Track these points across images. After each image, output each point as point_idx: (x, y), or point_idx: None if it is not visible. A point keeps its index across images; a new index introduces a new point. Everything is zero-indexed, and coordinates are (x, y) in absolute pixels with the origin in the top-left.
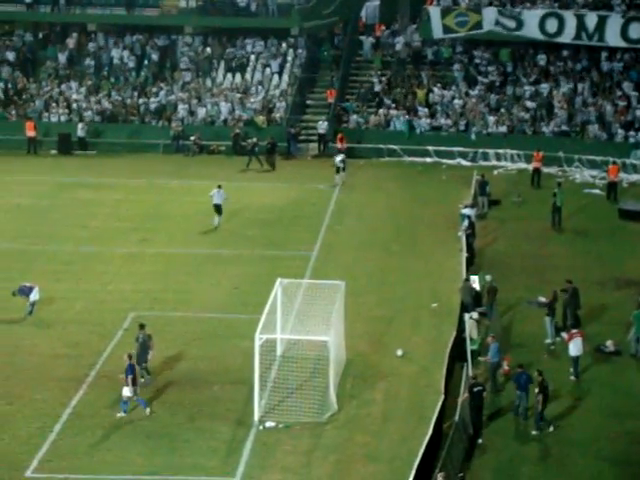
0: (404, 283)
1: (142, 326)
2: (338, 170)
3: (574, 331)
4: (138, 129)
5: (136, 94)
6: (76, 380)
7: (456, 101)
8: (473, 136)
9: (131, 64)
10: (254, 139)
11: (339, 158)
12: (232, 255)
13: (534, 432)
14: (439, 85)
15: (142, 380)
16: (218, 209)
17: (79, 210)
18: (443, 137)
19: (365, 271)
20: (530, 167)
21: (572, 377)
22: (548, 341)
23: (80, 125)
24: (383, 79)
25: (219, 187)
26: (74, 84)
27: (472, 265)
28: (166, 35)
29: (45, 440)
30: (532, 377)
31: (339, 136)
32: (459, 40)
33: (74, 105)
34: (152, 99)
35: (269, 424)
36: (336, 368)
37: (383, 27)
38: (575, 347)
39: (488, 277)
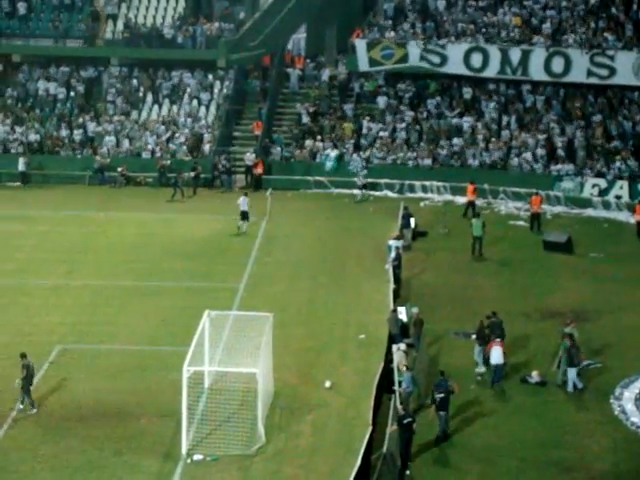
0: (332, 315)
1: (23, 355)
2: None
3: (496, 340)
4: (64, 161)
5: (61, 126)
6: (1, 415)
7: (382, 133)
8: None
9: (58, 96)
10: (189, 173)
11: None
12: (159, 287)
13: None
14: (366, 118)
15: (34, 410)
16: (245, 215)
17: (3, 242)
18: (370, 169)
19: (293, 303)
20: (457, 199)
21: (495, 384)
22: (478, 370)
23: (21, 159)
24: (310, 111)
25: (245, 194)
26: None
27: (399, 297)
28: (92, 66)
29: None
30: (452, 387)
31: (256, 161)
32: (385, 73)
33: None
34: (77, 131)
35: (197, 457)
36: (264, 400)
37: (308, 60)
38: (495, 355)
39: (415, 309)
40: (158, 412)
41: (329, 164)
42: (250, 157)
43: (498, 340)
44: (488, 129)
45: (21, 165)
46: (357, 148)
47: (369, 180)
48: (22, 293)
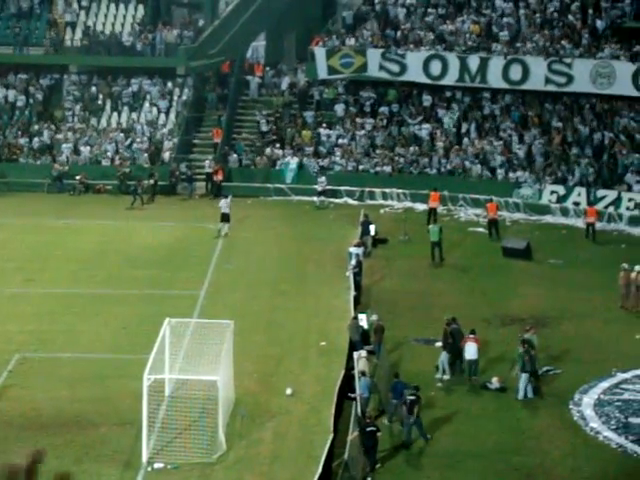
0: (293, 322)
1: None
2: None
3: (470, 336)
4: (22, 168)
5: (20, 133)
6: None
7: (342, 140)
8: (290, 175)
9: (17, 103)
10: (148, 180)
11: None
12: (119, 295)
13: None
14: (325, 125)
15: None
16: (225, 218)
17: None
18: (330, 176)
19: (254, 310)
20: (417, 206)
21: (473, 378)
22: (438, 376)
23: None
24: (270, 119)
25: (226, 197)
26: None
27: (360, 303)
28: (51, 74)
29: None
30: (407, 384)
31: (216, 168)
32: (345, 80)
33: None
34: (36, 138)
35: (158, 465)
36: (225, 408)
37: (267, 68)
38: (469, 351)
39: (374, 316)
40: (118, 420)
41: (290, 175)
42: (210, 164)
43: (472, 336)
44: (447, 136)
45: None
46: (316, 155)
47: (328, 187)
48: None
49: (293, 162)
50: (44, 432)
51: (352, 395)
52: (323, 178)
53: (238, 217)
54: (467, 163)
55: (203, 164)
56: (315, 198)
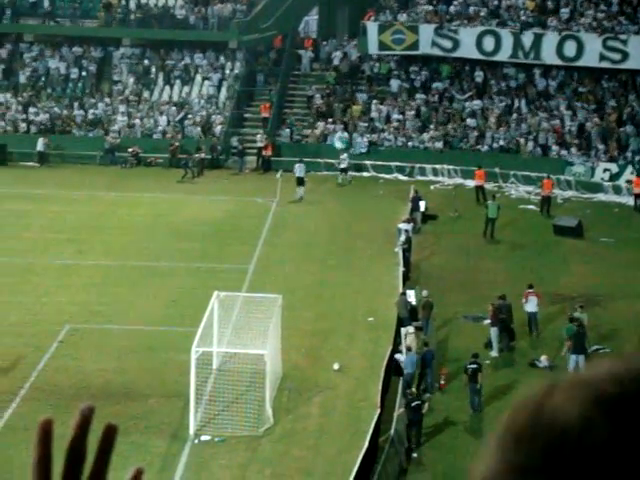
0: (341, 297)
1: None
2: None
3: (529, 290)
4: (75, 141)
5: (75, 105)
6: (10, 393)
7: (393, 116)
8: (339, 144)
9: (70, 75)
10: (200, 154)
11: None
12: (169, 268)
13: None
14: (376, 100)
15: None
16: (300, 181)
17: (14, 221)
18: (381, 152)
19: (302, 285)
20: (467, 183)
21: (533, 332)
22: (493, 354)
23: (40, 140)
24: (321, 94)
25: (300, 161)
26: (9, 95)
27: (409, 279)
28: (103, 47)
29: None
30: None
31: (265, 144)
32: (397, 56)
33: (9, 116)
34: (89, 111)
35: (204, 438)
36: (272, 382)
37: (324, 42)
38: (530, 304)
39: (424, 292)
40: (166, 392)
41: (338, 144)
42: (261, 139)
43: (531, 290)
44: (500, 112)
45: (40, 145)
46: (366, 131)
47: (379, 163)
48: (32, 272)
49: (343, 134)
50: (93, 403)
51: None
52: (345, 155)
53: (288, 192)
54: (519, 140)
55: (254, 138)
56: (338, 175)
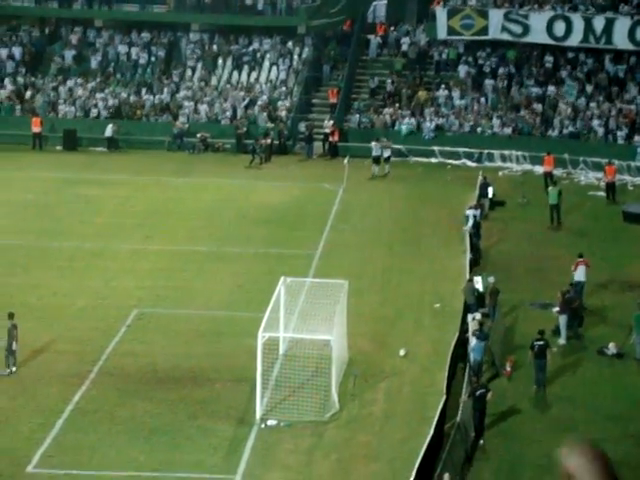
0: (407, 283)
1: (11, 315)
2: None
3: (579, 259)
4: (144, 126)
5: (143, 90)
6: (79, 376)
7: (460, 101)
8: (404, 128)
9: (139, 61)
10: (267, 139)
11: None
12: (236, 253)
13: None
14: (444, 86)
15: (13, 369)
16: (376, 160)
17: (83, 206)
18: (448, 138)
19: (368, 271)
20: (536, 169)
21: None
22: (562, 342)
23: (109, 126)
24: (389, 79)
25: (376, 139)
26: (80, 80)
27: (476, 266)
28: (173, 32)
29: (47, 436)
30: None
31: (332, 128)
32: (465, 41)
33: (79, 101)
34: (157, 96)
35: (271, 422)
36: (338, 367)
37: (392, 27)
38: (579, 273)
39: (491, 279)
40: (233, 377)
41: (403, 127)
42: (328, 124)
43: (581, 259)
44: (569, 98)
45: (109, 131)
46: (434, 116)
47: (446, 148)
48: (101, 257)
49: (410, 120)
50: (160, 387)
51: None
52: (384, 140)
53: (355, 178)
54: (589, 126)
55: (322, 124)
56: (373, 166)
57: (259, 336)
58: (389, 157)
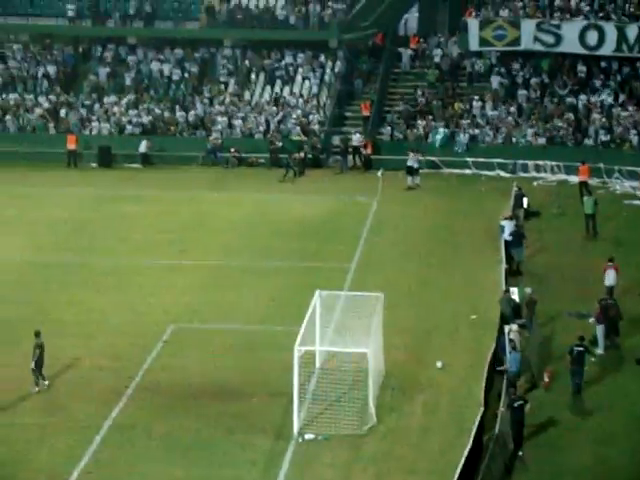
0: (443, 295)
1: (37, 334)
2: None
3: (609, 264)
4: (178, 142)
5: (176, 107)
6: (116, 392)
7: (493, 112)
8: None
9: (172, 77)
10: (301, 153)
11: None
12: (270, 267)
13: None
14: (477, 97)
15: (45, 383)
16: (410, 171)
17: (119, 222)
18: (482, 149)
19: (404, 283)
20: (571, 178)
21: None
22: (599, 352)
23: (143, 142)
24: (422, 92)
25: (412, 150)
26: (114, 97)
27: (518, 275)
28: (205, 48)
29: (85, 452)
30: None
31: (365, 141)
32: (497, 52)
33: (113, 118)
34: (191, 112)
35: (308, 436)
36: (375, 380)
37: (421, 39)
38: (608, 277)
39: (528, 289)
40: (269, 391)
41: (438, 137)
42: (356, 138)
43: (611, 264)
44: (602, 107)
45: (143, 147)
46: (468, 127)
47: (480, 160)
48: (136, 273)
49: (442, 130)
50: (197, 402)
51: (500, 368)
52: (412, 154)
53: (389, 190)
54: (623, 135)
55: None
56: (408, 177)
57: (295, 350)
58: (418, 169)
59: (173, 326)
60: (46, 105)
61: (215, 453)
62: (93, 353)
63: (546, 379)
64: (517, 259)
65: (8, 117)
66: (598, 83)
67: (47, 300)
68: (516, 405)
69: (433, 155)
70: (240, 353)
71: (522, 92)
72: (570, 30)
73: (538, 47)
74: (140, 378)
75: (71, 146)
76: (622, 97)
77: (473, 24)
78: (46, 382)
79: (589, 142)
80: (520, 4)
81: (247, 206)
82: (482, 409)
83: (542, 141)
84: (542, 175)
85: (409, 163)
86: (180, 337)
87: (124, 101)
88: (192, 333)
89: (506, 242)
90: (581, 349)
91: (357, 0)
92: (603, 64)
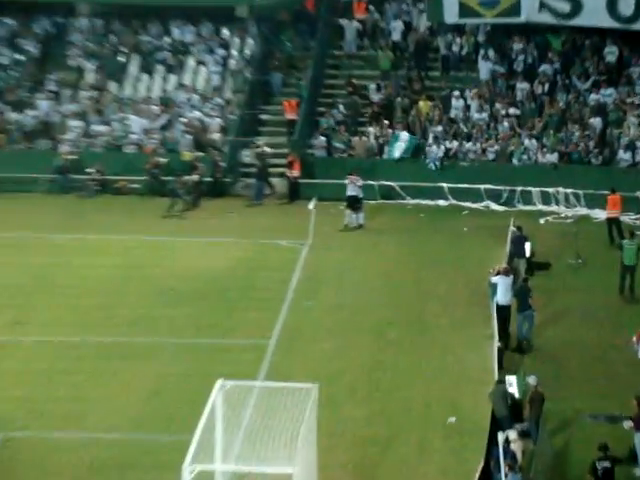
0: (407, 387)
1: None
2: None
3: None
4: (8, 157)
5: (8, 106)
6: None
7: (480, 115)
8: (401, 146)
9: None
10: (195, 175)
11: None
12: (150, 345)
13: None
14: (456, 92)
15: None
16: (353, 202)
17: None
18: (463, 169)
19: (349, 369)
20: (595, 213)
21: None
22: (636, 472)
23: None
24: (375, 83)
25: (350, 174)
26: None
27: (517, 355)
28: (49, 16)
29: None
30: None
31: (290, 159)
32: (487, 26)
33: None
34: (28, 113)
35: None
36: None
37: (372, 6)
38: None
39: (532, 379)
40: None
41: (398, 146)
42: (261, 146)
43: None
44: None
45: None
46: (442, 135)
47: (460, 185)
48: None
49: (405, 135)
50: None
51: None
52: (349, 179)
53: (325, 230)
54: None
55: (276, 151)
56: (348, 213)
57: (185, 469)
58: (360, 200)
59: (2, 435)
60: None
61: None
62: None
63: None
64: (520, 335)
65: None
66: (636, 72)
67: None
68: None
69: (391, 179)
70: (102, 476)
71: (523, 85)
72: None
73: (546, 19)
74: None
75: None
76: None
77: None
78: None
79: (625, 157)
80: None
81: (114, 255)
82: None
83: (552, 158)
84: (552, 209)
85: (350, 192)
86: (11, 451)
87: None
88: (30, 445)
89: (500, 308)
90: (607, 465)
91: None
92: None
